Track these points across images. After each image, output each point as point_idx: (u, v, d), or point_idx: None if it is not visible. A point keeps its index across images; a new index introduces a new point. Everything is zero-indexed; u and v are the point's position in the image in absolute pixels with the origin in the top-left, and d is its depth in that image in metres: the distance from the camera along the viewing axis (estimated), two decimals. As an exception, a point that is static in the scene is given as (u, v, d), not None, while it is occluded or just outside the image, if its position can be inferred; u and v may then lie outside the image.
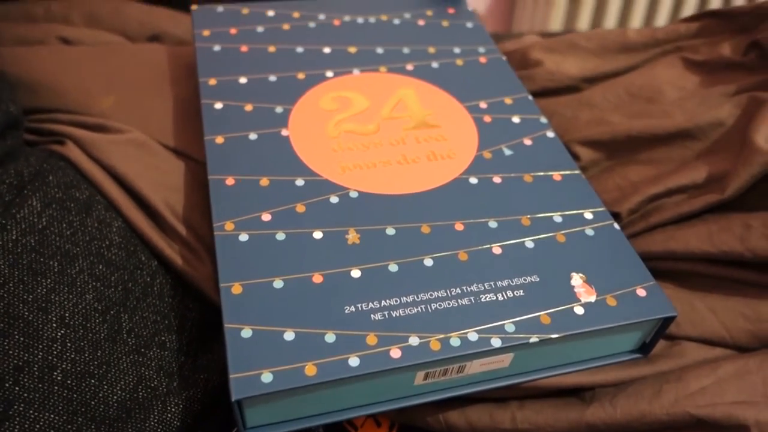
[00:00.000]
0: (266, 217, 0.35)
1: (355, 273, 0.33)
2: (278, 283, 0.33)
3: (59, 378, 0.32)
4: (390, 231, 0.35)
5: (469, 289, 0.33)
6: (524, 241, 0.36)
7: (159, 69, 0.48)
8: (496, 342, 0.31)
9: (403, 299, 0.33)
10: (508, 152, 0.41)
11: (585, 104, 0.48)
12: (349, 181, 0.38)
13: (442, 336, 0.31)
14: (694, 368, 0.38)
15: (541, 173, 0.40)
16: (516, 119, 0.43)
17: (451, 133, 0.42)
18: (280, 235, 0.35)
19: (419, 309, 0.32)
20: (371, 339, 0.31)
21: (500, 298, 0.33)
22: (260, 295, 0.32)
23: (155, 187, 0.40)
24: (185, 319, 0.38)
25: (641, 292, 0.34)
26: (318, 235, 0.35)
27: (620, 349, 0.36)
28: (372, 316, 0.32)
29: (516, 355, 0.33)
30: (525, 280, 0.34)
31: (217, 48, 0.45)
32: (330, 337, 0.31)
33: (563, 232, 0.37)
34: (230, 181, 0.37)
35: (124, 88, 0.46)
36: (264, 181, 0.37)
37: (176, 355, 0.37)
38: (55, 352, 0.32)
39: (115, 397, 0.33)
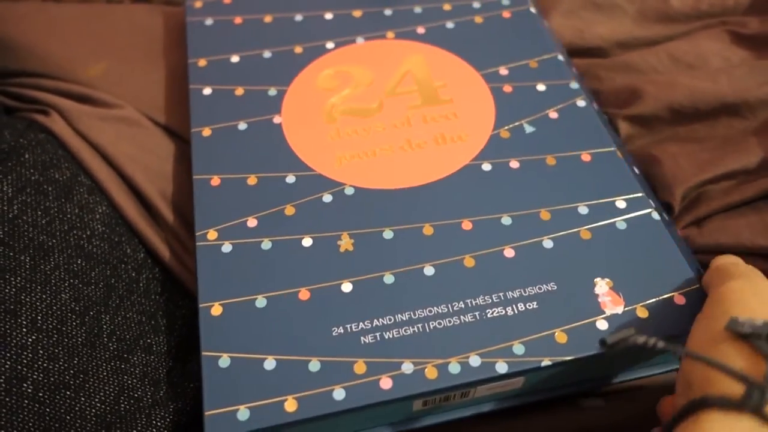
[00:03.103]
0: (252, 222, 0.32)
1: (346, 287, 0.30)
2: (261, 302, 0.30)
3: (29, 390, 0.29)
4: (387, 234, 0.32)
5: (474, 302, 0.29)
6: (541, 240, 0.31)
7: (152, 33, 0.44)
8: (501, 367, 0.28)
9: (398, 317, 0.29)
10: (529, 129, 0.36)
11: (621, 67, 0.42)
12: (346, 174, 0.34)
13: (440, 361, 0.28)
14: None
15: (567, 153, 0.34)
16: (541, 87, 0.37)
17: (463, 109, 0.37)
18: (266, 244, 0.31)
19: (415, 329, 0.29)
20: (359, 367, 0.28)
21: (510, 312, 0.29)
22: (241, 316, 0.29)
23: (150, 175, 0.37)
24: (174, 319, 0.35)
25: (679, 300, 0.29)
26: (307, 242, 0.31)
27: (657, 359, 0.32)
28: (362, 338, 0.28)
29: (529, 376, 0.29)
30: (540, 288, 0.30)
31: (209, 22, 0.41)
32: (314, 365, 0.28)
33: (589, 226, 0.32)
34: (215, 181, 0.34)
35: (114, 54, 0.42)
36: (252, 180, 0.34)
37: (163, 361, 0.33)
38: (25, 361, 0.30)
39: (93, 410, 0.31)
